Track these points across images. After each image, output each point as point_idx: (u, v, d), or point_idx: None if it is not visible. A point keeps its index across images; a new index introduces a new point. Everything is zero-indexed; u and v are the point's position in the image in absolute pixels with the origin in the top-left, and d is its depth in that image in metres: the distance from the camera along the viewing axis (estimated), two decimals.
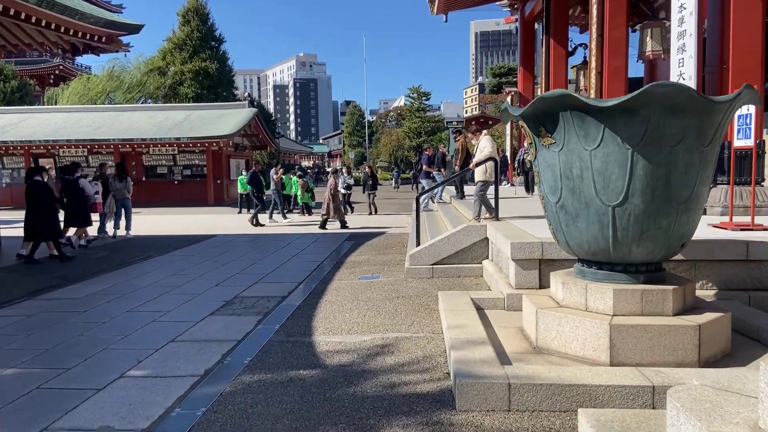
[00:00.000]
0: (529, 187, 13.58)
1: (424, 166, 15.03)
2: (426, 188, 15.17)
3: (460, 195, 13.62)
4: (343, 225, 14.87)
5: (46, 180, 10.81)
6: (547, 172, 4.45)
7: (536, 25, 22.29)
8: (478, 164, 8.63)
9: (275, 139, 35.65)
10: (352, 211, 19.22)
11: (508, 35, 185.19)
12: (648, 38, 13.62)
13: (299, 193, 20.01)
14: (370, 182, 20.51)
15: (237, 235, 13.72)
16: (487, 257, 7.77)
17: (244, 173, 22.49)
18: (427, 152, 16.19)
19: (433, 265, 7.78)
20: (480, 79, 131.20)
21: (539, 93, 29.99)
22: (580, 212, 4.27)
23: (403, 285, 7.30)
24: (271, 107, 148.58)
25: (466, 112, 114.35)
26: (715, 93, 8.14)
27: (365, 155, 66.74)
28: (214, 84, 43.24)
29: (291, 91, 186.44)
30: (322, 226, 14.68)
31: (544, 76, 18.22)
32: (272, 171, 19.43)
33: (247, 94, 37.43)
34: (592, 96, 13.45)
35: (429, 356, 4.59)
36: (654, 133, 3.92)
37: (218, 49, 45.02)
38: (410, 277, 7.72)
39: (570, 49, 18.46)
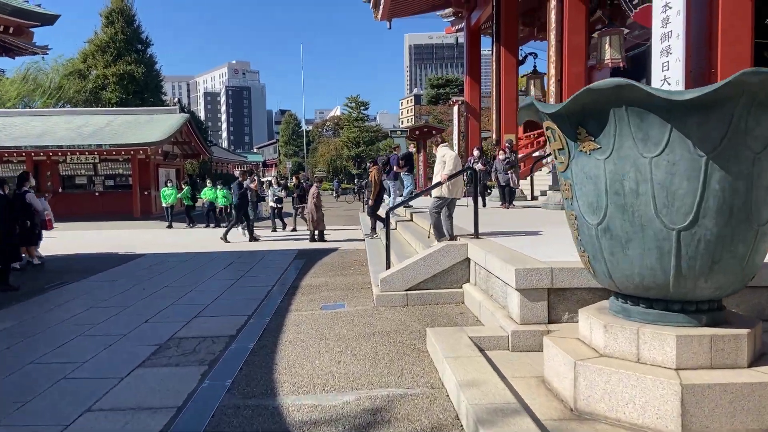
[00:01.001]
0: (505, 198, 12.75)
1: (394, 167, 14.05)
2: (391, 191, 14.20)
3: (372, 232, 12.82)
4: (321, 238, 13.94)
5: (6, 192, 9.23)
6: (585, 186, 3.51)
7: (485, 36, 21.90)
8: (451, 177, 7.63)
9: (209, 147, 33.70)
10: (284, 227, 17.37)
11: (441, 48, 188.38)
12: (607, 46, 13.25)
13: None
14: (296, 194, 17.67)
15: (169, 255, 12.18)
16: (468, 280, 6.81)
17: (169, 185, 20.73)
18: (396, 152, 15.26)
19: (407, 290, 6.73)
20: (416, 90, 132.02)
21: (486, 103, 29.75)
22: (632, 237, 3.34)
23: (375, 316, 6.20)
24: (201, 115, 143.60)
25: (402, 123, 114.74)
26: None
27: (303, 165, 65.14)
28: (140, 89, 40.72)
29: (223, 98, 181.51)
30: (314, 239, 13.99)
31: (494, 85, 17.69)
32: (242, 182, 17.20)
33: (177, 99, 35.31)
34: (552, 102, 12.90)
35: (438, 427, 3.52)
36: (736, 136, 3.05)
37: (145, 53, 42.53)
38: (382, 306, 6.63)
39: (520, 58, 18.06)
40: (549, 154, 19.95)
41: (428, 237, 8.22)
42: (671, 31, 7.59)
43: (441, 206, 7.61)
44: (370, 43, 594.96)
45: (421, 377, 4.34)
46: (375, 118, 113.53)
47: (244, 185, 14.70)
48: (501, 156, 12.88)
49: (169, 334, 5.83)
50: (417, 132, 29.15)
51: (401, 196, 14.13)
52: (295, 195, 17.35)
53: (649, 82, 20.04)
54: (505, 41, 17.09)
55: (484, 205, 12.95)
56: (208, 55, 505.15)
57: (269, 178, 32.18)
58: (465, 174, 8.52)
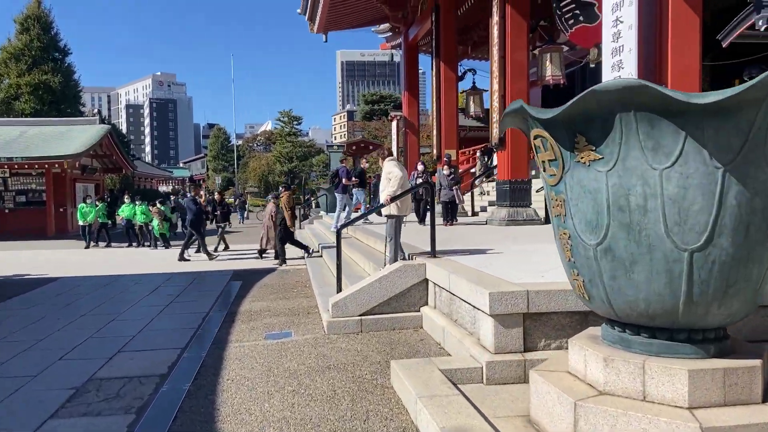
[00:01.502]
0: (448, 215, 12.38)
1: (343, 180, 13.49)
2: (339, 204, 13.66)
3: (281, 260, 12.39)
4: (281, 258, 12.98)
5: None
6: (583, 201, 3.11)
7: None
8: (395, 198, 7.13)
9: (132, 162, 31.89)
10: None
11: (373, 65, 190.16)
12: (548, 62, 13.33)
13: (157, 223, 17.13)
14: (219, 212, 16.07)
15: (87, 278, 11.04)
16: (427, 303, 6.33)
17: (88, 201, 19.25)
18: (344, 164, 14.72)
19: (361, 316, 6.17)
20: (348, 106, 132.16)
21: (426, 120, 29.73)
22: (638, 259, 2.96)
23: (328, 346, 5.60)
24: (123, 128, 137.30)
25: (335, 139, 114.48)
26: None
27: (233, 180, 63.26)
28: (57, 100, 38.11)
29: (147, 111, 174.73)
30: (262, 255, 13.37)
31: (435, 100, 17.53)
32: (196, 197, 15.70)
33: (96, 110, 33.37)
34: (495, 119, 12.79)
35: None
36: (755, 145, 2.74)
37: (62, 62, 39.97)
38: (334, 334, 6.03)
39: (459, 74, 18.03)
40: (489, 170, 20.02)
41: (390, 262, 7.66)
42: (623, 45, 7.51)
43: (399, 225, 7.14)
44: (302, 59, 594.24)
45: (390, 420, 3.79)
46: (307, 133, 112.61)
47: (200, 199, 13.98)
48: (445, 171, 12.58)
49: (88, 375, 5.00)
50: (354, 147, 28.85)
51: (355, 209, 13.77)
52: (218, 213, 15.98)
53: None
54: (444, 57, 16.97)
55: (424, 221, 12.59)
56: (132, 66, 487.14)
57: (291, 184, 30.76)
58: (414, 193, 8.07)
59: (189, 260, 13.40)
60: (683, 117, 2.72)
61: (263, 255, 13.55)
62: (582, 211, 3.13)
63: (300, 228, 22.85)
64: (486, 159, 20.65)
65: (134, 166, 32.25)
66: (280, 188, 14.73)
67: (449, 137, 17.01)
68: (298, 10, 23.12)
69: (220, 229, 16.00)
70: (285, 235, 12.61)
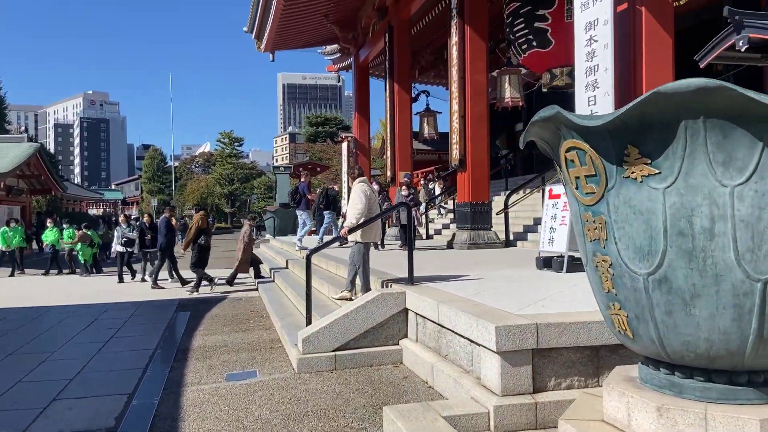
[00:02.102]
0: (403, 241, 11.70)
1: (308, 195, 13.00)
2: (301, 222, 13.09)
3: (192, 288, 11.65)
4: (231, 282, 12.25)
5: None
6: (632, 223, 2.67)
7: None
8: (353, 229, 6.47)
9: (62, 183, 29.91)
10: (133, 276, 14.41)
11: (315, 89, 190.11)
12: (506, 84, 13.24)
13: (80, 248, 15.80)
14: (148, 237, 13.69)
15: (12, 310, 9.86)
16: (406, 335, 5.79)
17: (12, 225, 17.69)
18: (303, 180, 13.91)
19: (335, 351, 5.54)
20: (290, 128, 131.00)
21: (376, 142, 29.41)
22: (701, 291, 2.54)
23: (301, 388, 4.94)
24: (51, 147, 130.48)
25: (276, 161, 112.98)
26: None
27: (170, 203, 60.91)
28: None
29: (77, 131, 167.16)
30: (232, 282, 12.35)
31: (388, 122, 17.22)
32: (169, 219, 13.95)
33: (23, 129, 31.30)
34: (456, 140, 12.50)
35: None
36: None
37: None
38: (306, 372, 5.37)
39: (414, 95, 17.82)
40: (441, 194, 19.77)
41: (348, 291, 7.07)
42: (598, 64, 7.33)
43: (367, 252, 6.60)
44: (243, 80, 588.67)
45: None
46: (248, 155, 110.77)
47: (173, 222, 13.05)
48: (404, 192, 12.13)
49: (18, 431, 4.15)
50: (301, 168, 28.16)
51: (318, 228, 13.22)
52: (148, 237, 13.71)
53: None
54: (398, 77, 16.72)
55: (381, 246, 12.06)
56: (62, 85, 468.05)
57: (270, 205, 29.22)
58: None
59: (164, 288, 12.35)
60: (762, 124, 2.34)
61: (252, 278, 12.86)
62: (630, 235, 2.70)
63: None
64: (431, 186, 20.18)
65: (64, 188, 30.34)
66: (194, 208, 14.19)
67: (403, 159, 16.69)
68: (245, 28, 22.48)
69: (147, 256, 14.07)
70: (198, 260, 11.72)
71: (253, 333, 7.40)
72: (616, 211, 2.75)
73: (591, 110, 7.46)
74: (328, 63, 30.97)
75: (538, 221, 13.21)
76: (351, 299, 6.50)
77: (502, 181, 19.08)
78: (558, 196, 7.36)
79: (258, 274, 12.70)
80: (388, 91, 17.18)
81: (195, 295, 10.98)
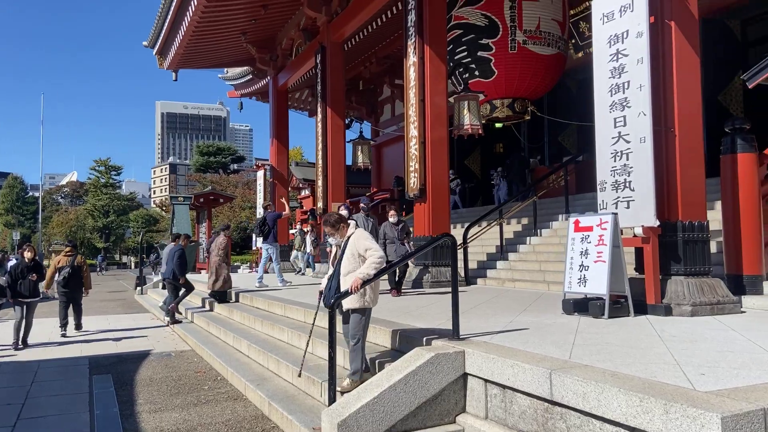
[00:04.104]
0: (395, 280, 9.30)
1: (275, 225, 11.62)
2: (273, 256, 11.79)
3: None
4: (223, 299, 10.79)
5: None
6: None
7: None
8: (365, 282, 4.66)
9: None
10: None
11: (197, 119, 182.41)
12: (465, 111, 12.36)
13: None
14: (33, 277, 9.34)
15: None
16: (464, 409, 4.35)
17: None
18: (269, 209, 12.52)
19: None
20: (171, 159, 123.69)
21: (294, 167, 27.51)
22: None
23: None
24: None
25: (155, 192, 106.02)
26: (661, 159, 6.58)
27: (30, 237, 53.89)
28: None
29: None
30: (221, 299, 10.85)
31: (321, 149, 15.78)
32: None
33: None
34: (414, 168, 11.31)
35: None
36: None
37: None
38: None
39: (347, 122, 16.58)
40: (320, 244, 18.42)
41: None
42: (628, 81, 6.55)
43: (367, 322, 4.97)
44: (115, 107, 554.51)
45: None
46: (121, 185, 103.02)
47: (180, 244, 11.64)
48: (392, 220, 9.46)
49: None
50: (202, 199, 25.63)
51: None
52: (32, 277, 9.64)
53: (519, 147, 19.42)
54: (331, 101, 15.38)
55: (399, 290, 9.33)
56: None
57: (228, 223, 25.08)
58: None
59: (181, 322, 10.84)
60: None
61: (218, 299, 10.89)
62: None
63: (143, 294, 19.08)
64: (314, 237, 16.16)
65: None
66: (67, 243, 12.10)
67: (337, 189, 15.30)
68: (145, 43, 20.22)
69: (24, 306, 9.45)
70: (69, 299, 10.25)
71: (218, 406, 5.53)
72: None
73: (619, 132, 6.64)
74: (227, 89, 29.16)
75: (492, 256, 12.31)
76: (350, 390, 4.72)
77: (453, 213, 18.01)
78: (590, 229, 6.36)
79: (217, 295, 10.93)
80: (320, 115, 15.80)
81: (101, 352, 8.64)
